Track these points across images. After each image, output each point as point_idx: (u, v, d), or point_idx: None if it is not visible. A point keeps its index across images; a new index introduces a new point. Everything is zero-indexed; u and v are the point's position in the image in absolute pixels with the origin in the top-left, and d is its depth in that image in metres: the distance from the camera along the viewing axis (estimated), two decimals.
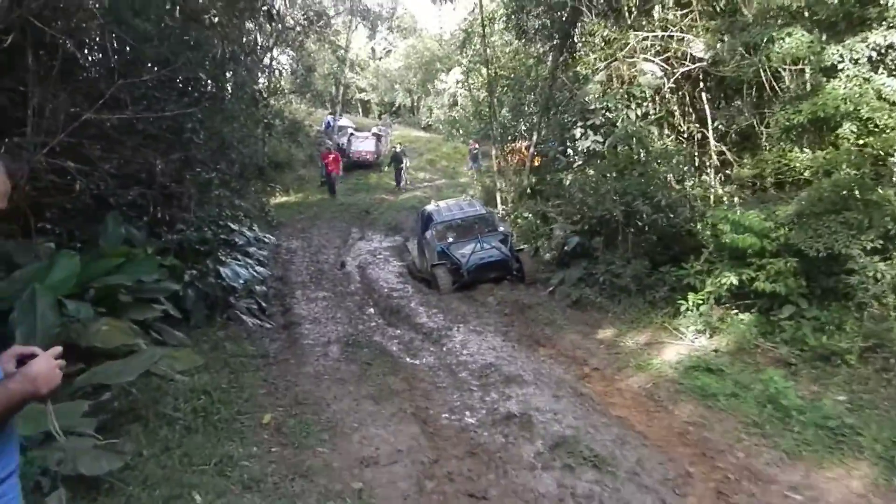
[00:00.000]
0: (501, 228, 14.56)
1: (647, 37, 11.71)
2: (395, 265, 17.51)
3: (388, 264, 17.70)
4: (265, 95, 19.91)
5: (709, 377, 7.53)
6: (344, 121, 37.46)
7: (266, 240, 16.30)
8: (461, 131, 42.25)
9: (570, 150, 13.26)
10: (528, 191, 21.91)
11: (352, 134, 34.34)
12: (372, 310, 12.61)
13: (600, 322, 10.50)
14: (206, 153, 10.99)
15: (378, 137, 34.72)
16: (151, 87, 9.88)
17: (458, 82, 31.94)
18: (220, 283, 10.06)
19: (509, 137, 25.41)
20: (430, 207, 15.51)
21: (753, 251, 8.55)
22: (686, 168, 10.85)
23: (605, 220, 11.43)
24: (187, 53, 10.38)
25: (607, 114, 11.44)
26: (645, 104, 11.32)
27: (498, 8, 25.40)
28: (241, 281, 10.57)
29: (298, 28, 26.77)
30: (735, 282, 8.61)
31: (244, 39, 15.02)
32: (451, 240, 14.04)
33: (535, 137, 23.14)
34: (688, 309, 9.21)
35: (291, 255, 17.73)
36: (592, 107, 11.95)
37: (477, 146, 35.79)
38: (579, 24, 19.98)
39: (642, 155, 10.89)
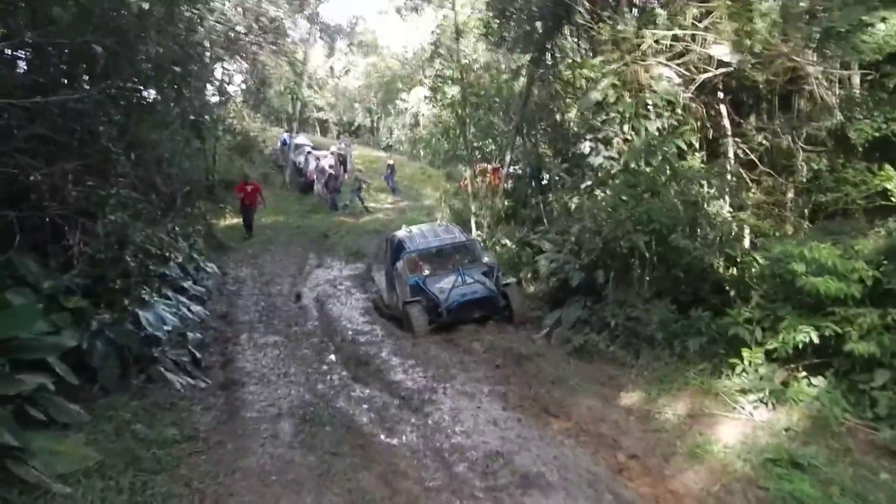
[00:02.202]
0: (486, 259, 12.52)
1: (662, 36, 9.87)
2: (358, 299, 15.31)
3: (350, 297, 15.50)
4: (213, 107, 17.74)
5: (800, 477, 5.56)
6: (301, 138, 35.16)
7: (208, 269, 13.96)
8: (425, 151, 40.60)
9: (556, 173, 11.27)
10: (503, 215, 20.13)
11: (309, 153, 32.05)
12: (333, 358, 10.39)
13: (618, 380, 8.48)
14: (129, 166, 8.73)
15: (340, 157, 32.50)
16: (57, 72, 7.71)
17: (424, 98, 29.98)
18: (140, 333, 7.79)
19: (477, 157, 23.67)
20: (400, 233, 13.40)
21: (833, 297, 6.65)
22: (719, 191, 8.96)
23: (616, 252, 9.48)
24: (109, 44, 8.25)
25: (622, 126, 9.55)
26: (665, 115, 9.48)
27: (471, 17, 23.74)
28: (167, 328, 8.30)
29: (251, 36, 24.65)
30: (814, 338, 6.68)
31: (188, 39, 12.84)
32: (426, 272, 11.95)
33: (507, 158, 21.42)
34: (743, 370, 7.26)
35: (239, 286, 15.39)
36: (599, 118, 10.04)
37: (392, 161, 34.07)
38: (560, 35, 18.51)
39: (666, 175, 8.99)
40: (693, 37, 9.43)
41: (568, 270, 10.94)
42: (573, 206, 9.64)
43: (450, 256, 12.77)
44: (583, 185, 9.81)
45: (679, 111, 9.53)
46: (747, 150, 9.41)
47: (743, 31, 9.14)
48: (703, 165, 9.18)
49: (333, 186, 27.63)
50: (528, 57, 20.24)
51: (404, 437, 6.92)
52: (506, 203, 20.60)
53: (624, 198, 8.72)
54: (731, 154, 10.07)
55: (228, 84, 21.19)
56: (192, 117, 12.63)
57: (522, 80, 21.14)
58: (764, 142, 9.83)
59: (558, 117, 20.86)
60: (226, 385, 8.37)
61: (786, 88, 9.42)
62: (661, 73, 9.61)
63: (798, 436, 6.39)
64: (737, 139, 8.87)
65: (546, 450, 6.44)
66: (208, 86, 18.44)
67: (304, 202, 28.98)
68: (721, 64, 9.65)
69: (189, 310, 10.01)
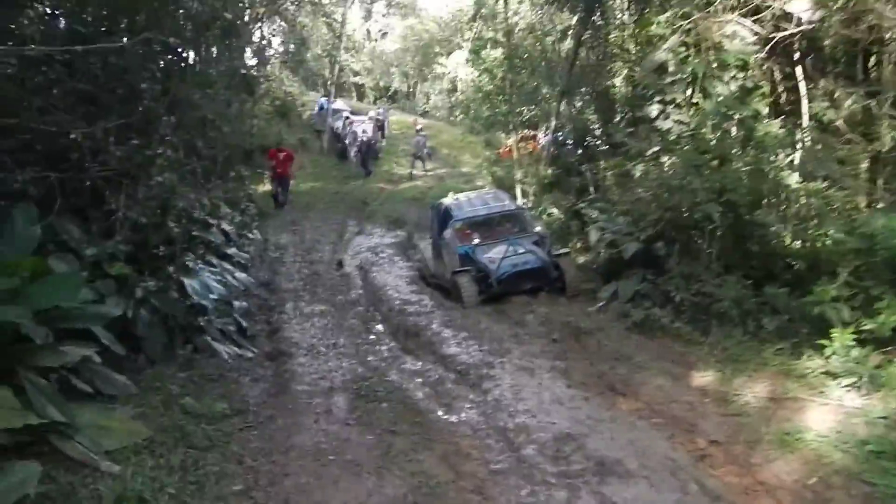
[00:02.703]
0: (537, 228, 11.99)
1: None
2: (402, 267, 14.93)
3: (393, 266, 15.12)
4: (254, 68, 17.26)
5: None
6: (339, 103, 34.67)
7: (250, 236, 13.65)
8: (465, 117, 39.83)
9: (618, 136, 10.59)
10: (548, 183, 19.50)
11: (347, 118, 31.57)
12: (381, 328, 10.05)
13: (687, 358, 7.96)
14: (171, 127, 8.34)
15: (377, 122, 31.99)
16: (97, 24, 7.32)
17: (466, 61, 29.19)
18: (185, 301, 7.46)
19: (521, 123, 23.02)
20: (447, 201, 12.92)
21: None
22: (803, 161, 8.28)
23: (681, 223, 8.88)
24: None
25: (693, 88, 8.86)
26: (739, 76, 8.77)
27: None
28: (213, 296, 7.96)
29: None
30: None
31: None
32: (476, 241, 11.46)
33: (552, 124, 20.73)
34: (833, 352, 6.68)
35: (280, 254, 15.11)
36: (665, 79, 9.36)
37: (420, 126, 33.29)
38: None
39: (741, 141, 8.33)
40: None
41: (624, 241, 10.38)
42: (637, 174, 9.02)
43: (499, 225, 12.28)
44: (649, 151, 9.18)
45: (753, 72, 8.81)
46: (827, 117, 8.62)
47: None
48: (780, 132, 8.48)
49: (367, 152, 26.91)
50: (575, 18, 19.51)
51: (464, 415, 6.52)
52: (550, 171, 20.02)
53: (697, 165, 8.09)
54: (805, 121, 9.33)
55: (269, 45, 20.52)
56: (236, 76, 12.13)
57: (569, 43, 20.41)
58: (845, 107, 9.05)
59: (609, 82, 20.15)
60: (273, 355, 8.04)
61: (870, 49, 8.64)
62: (735, 31, 8.89)
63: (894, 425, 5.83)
64: (813, 104, 8.11)
65: (619, 433, 5.98)
66: (247, 47, 17.93)
67: (342, 168, 28.62)
68: (800, 22, 8.89)
69: (234, 277, 9.67)
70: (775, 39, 9.03)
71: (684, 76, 8.97)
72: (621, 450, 5.61)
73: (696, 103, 9.08)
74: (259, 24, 21.65)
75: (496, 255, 11.17)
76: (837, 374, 6.58)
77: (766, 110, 8.71)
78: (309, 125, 33.16)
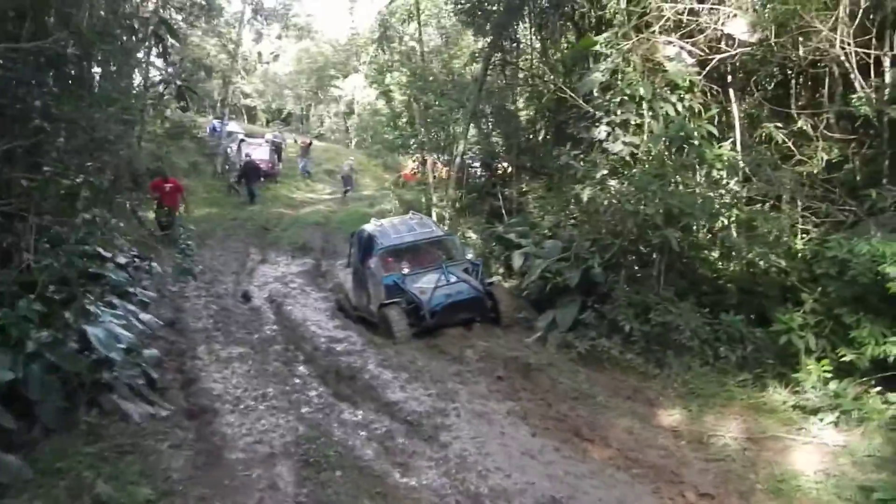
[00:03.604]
0: (469, 255, 11.39)
1: (672, 10, 8.91)
2: (316, 298, 13.95)
3: (307, 297, 14.12)
4: (146, 88, 15.83)
5: None
6: (233, 126, 33.15)
7: (146, 269, 12.29)
8: (365, 140, 39.09)
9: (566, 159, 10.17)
10: (460, 206, 19.10)
11: (242, 140, 30.14)
12: (307, 371, 9.06)
13: (645, 393, 7.55)
14: (65, 149, 7.19)
15: (274, 145, 30.75)
16: None
17: (367, 83, 28.55)
18: (88, 354, 6.31)
19: (426, 146, 22.58)
20: (370, 227, 12.12)
21: None
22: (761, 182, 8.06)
23: (630, 249, 8.53)
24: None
25: (639, 109, 8.54)
26: (686, 97, 8.55)
27: None
28: (121, 346, 6.80)
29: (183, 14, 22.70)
30: None
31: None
32: (405, 270, 10.71)
33: (461, 147, 20.42)
34: (811, 385, 6.39)
35: (181, 287, 13.75)
36: (608, 100, 9.02)
37: (308, 141, 33.08)
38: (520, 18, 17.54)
39: (694, 163, 8.06)
40: (712, 9, 8.50)
41: (561, 268, 9.94)
42: (585, 198, 8.60)
43: (427, 253, 11.61)
44: (598, 175, 8.79)
45: (697, 94, 8.62)
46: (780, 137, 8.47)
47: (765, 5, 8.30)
48: (730, 154, 8.29)
49: (251, 176, 24.93)
50: (482, 42, 19.36)
51: (426, 478, 5.75)
52: (461, 194, 19.63)
53: (650, 188, 7.74)
54: (738, 145, 9.20)
55: (167, 63, 18.96)
56: (134, 95, 10.88)
57: (477, 66, 20.18)
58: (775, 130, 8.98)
59: (517, 104, 20.03)
60: (193, 413, 6.95)
61: (809, 71, 8.65)
62: (678, 52, 8.69)
63: (885, 463, 5.56)
64: (771, 124, 7.97)
65: (604, 491, 5.41)
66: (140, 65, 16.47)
67: (238, 193, 27.15)
68: (737, 44, 8.80)
69: (138, 319, 8.45)
70: (713, 61, 8.88)
71: (631, 97, 8.64)
72: None
73: (640, 125, 8.78)
74: (149, 43, 20.13)
75: (427, 285, 10.48)
76: (814, 409, 6.31)
77: (715, 132, 8.50)
78: (200, 149, 31.45)
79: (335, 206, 27.37)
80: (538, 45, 18.68)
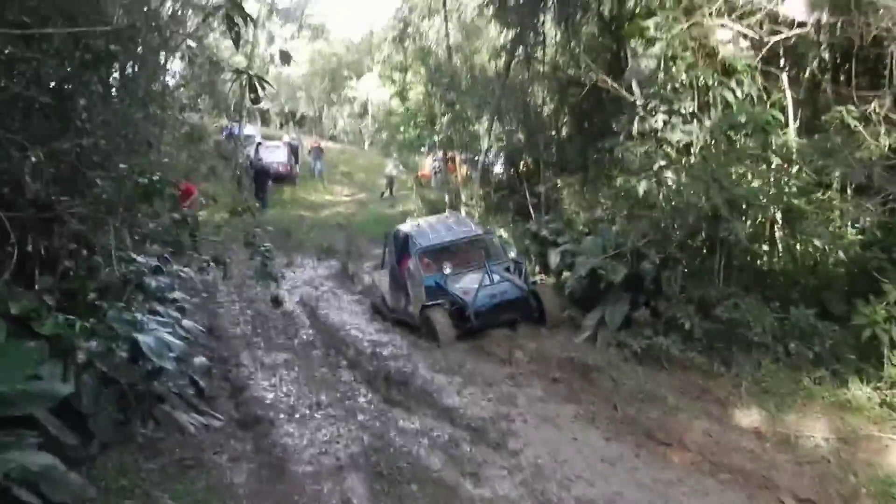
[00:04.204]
0: (512, 254, 11.05)
1: None
2: (349, 301, 13.70)
3: (339, 300, 13.86)
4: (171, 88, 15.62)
5: None
6: (249, 129, 32.91)
7: (182, 274, 12.05)
8: (383, 140, 38.80)
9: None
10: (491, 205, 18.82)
11: (259, 143, 29.96)
12: (352, 377, 8.76)
13: (714, 393, 7.17)
14: (106, 150, 6.92)
15: (291, 147, 30.52)
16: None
17: (387, 83, 28.23)
18: (141, 364, 6.03)
19: (451, 146, 22.28)
20: (406, 227, 11.82)
21: None
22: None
23: (689, 244, 8.19)
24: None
25: (699, 96, 8.17)
26: (747, 82, 8.19)
27: None
28: (173, 354, 6.52)
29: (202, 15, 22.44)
30: None
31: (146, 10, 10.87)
32: (447, 271, 10.40)
33: (484, 144, 20.13)
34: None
35: (211, 292, 13.51)
36: (653, 88, 8.66)
37: (318, 143, 32.67)
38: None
39: (760, 152, 7.69)
40: None
41: (607, 265, 9.57)
42: (641, 191, 8.26)
43: (466, 252, 11.29)
44: (655, 166, 8.44)
45: (757, 78, 8.25)
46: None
47: None
48: (800, 141, 7.92)
49: (263, 180, 24.28)
50: (507, 34, 19.02)
51: (499, 488, 5.43)
52: (491, 192, 19.32)
53: (716, 179, 7.39)
54: (792, 131, 8.80)
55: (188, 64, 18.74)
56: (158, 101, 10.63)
57: (501, 61, 19.86)
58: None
59: (539, 101, 19.69)
60: (246, 423, 6.68)
61: (871, 52, 8.25)
62: (734, 35, 8.33)
63: None
64: (843, 108, 7.59)
65: (697, 499, 5.09)
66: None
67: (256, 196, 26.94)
68: (794, 24, 8.42)
69: (180, 326, 8.19)
70: (769, 44, 8.51)
71: (689, 84, 8.28)
72: None
73: (694, 113, 8.42)
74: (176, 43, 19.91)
75: (469, 286, 10.16)
76: None
77: (782, 118, 8.14)
78: (218, 152, 31.24)
79: (355, 208, 27.16)
80: (562, 37, 18.29)
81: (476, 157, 20.26)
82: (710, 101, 8.26)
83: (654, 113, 8.58)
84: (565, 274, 11.66)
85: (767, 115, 7.76)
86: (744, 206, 7.42)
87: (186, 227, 9.38)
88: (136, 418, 5.78)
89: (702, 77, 8.03)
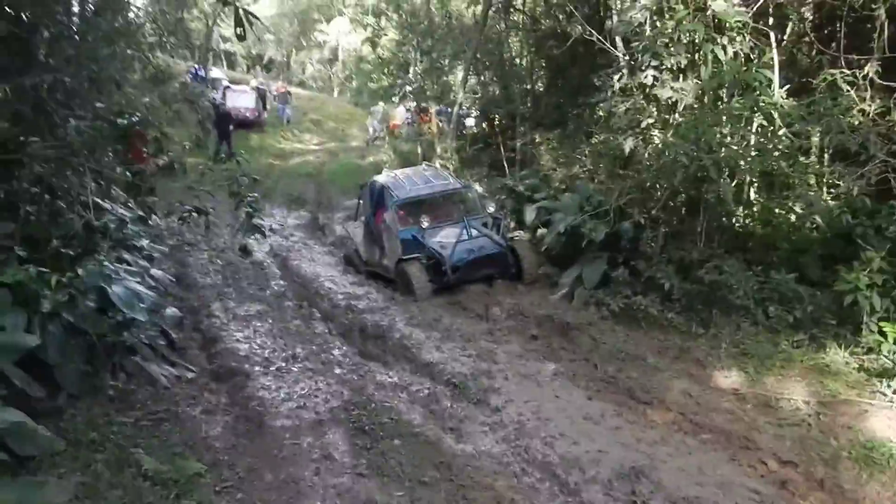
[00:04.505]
0: (491, 209, 10.87)
1: None
2: (321, 252, 13.51)
3: (310, 250, 13.65)
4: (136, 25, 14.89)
5: None
6: (216, 72, 31.92)
7: (150, 222, 11.66)
8: (353, 88, 38.02)
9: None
10: (465, 158, 18.55)
11: (227, 87, 29.07)
12: (326, 329, 8.60)
13: (692, 353, 7.15)
14: (71, 88, 6.53)
15: (260, 93, 29.69)
16: None
17: (366, 26, 27.45)
18: (110, 315, 5.77)
19: (424, 97, 21.87)
20: (382, 178, 11.55)
21: None
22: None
23: (673, 205, 8.10)
24: None
25: (691, 52, 7.94)
26: (738, 39, 8.00)
27: None
28: (143, 305, 6.26)
29: None
30: None
31: None
32: (425, 224, 10.19)
33: (459, 96, 19.73)
34: (893, 350, 6.05)
35: (178, 240, 13.14)
36: (644, 42, 8.42)
37: (285, 88, 31.74)
38: None
39: (751, 112, 7.54)
40: None
41: (586, 223, 9.44)
42: (627, 149, 8.09)
43: (444, 206, 11.11)
44: (643, 124, 8.27)
45: (747, 36, 8.07)
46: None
47: None
48: (791, 103, 7.78)
49: (226, 125, 22.77)
50: None
51: (481, 444, 5.36)
52: (463, 145, 19.04)
53: (707, 138, 7.25)
54: (775, 90, 8.69)
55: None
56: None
57: (478, 7, 19.36)
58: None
59: (516, 53, 19.31)
60: (220, 375, 6.48)
61: (861, 14, 8.12)
62: None
63: None
64: (837, 71, 7.45)
65: (681, 459, 5.07)
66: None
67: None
68: None
69: (149, 275, 7.90)
70: (760, 1, 8.34)
71: (678, 39, 8.05)
72: (696, 484, 4.71)
73: (683, 69, 8.23)
74: None
75: (447, 240, 10.00)
76: (887, 372, 5.98)
77: (774, 78, 8.00)
78: (183, 95, 30.26)
79: (325, 157, 26.64)
80: None
81: (450, 109, 19.87)
82: (699, 59, 8.05)
83: (643, 68, 8.37)
84: (540, 230, 11.58)
85: (758, 75, 7.60)
86: (728, 168, 7.29)
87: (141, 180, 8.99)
88: (106, 370, 5.57)
89: (694, 32, 7.82)
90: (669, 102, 8.22)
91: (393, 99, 25.60)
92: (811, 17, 8.83)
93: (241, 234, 6.62)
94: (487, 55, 19.29)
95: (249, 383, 6.14)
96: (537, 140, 14.41)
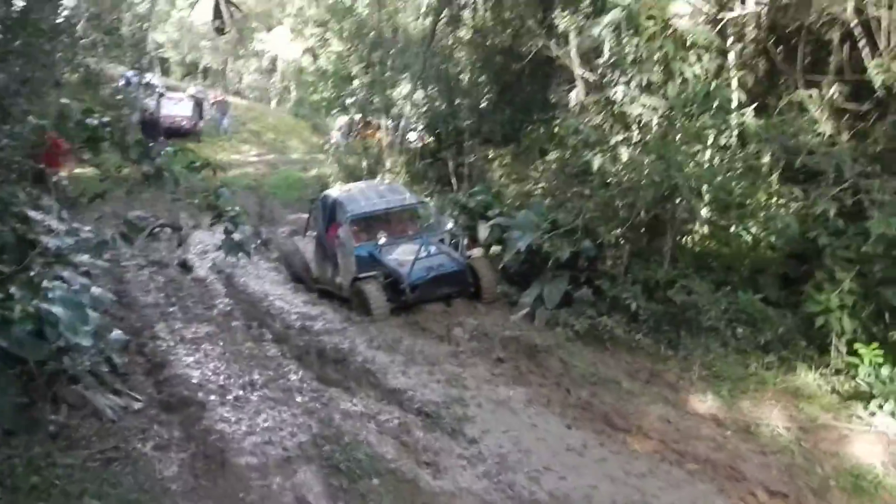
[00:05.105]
0: (449, 225, 10.55)
1: None
2: (267, 268, 12.89)
3: (256, 267, 12.98)
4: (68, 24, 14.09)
5: None
6: (150, 78, 30.75)
7: (82, 234, 10.92)
8: (299, 98, 37.21)
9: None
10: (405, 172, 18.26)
11: (162, 95, 28.06)
12: (279, 352, 8.07)
13: (664, 377, 7.02)
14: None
15: (196, 101, 28.72)
16: None
17: (309, 37, 26.90)
18: (50, 340, 5.20)
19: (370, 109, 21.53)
20: (335, 193, 11.11)
21: None
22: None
23: (639, 222, 7.98)
24: None
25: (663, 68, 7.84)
26: (706, 57, 7.95)
27: None
28: (87, 328, 5.69)
29: None
30: None
31: None
32: (381, 241, 9.81)
33: (405, 110, 19.50)
34: (867, 372, 6.00)
35: (114, 254, 12.37)
36: (614, 59, 8.29)
37: (222, 97, 31.15)
38: None
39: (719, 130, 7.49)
40: None
41: (548, 242, 9.24)
42: (595, 166, 7.91)
43: (399, 221, 10.73)
44: (612, 141, 8.12)
45: (714, 54, 8.05)
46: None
47: None
48: (757, 122, 7.77)
49: (152, 131, 21.70)
50: None
51: (461, 480, 5.03)
52: (415, 159, 18.73)
53: (679, 157, 7.14)
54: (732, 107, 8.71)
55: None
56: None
57: (427, 22, 19.17)
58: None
59: (466, 69, 19.15)
60: (172, 405, 5.95)
61: (821, 36, 8.22)
62: (692, 10, 8.09)
63: None
64: (806, 92, 7.48)
65: (673, 493, 4.87)
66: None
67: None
68: (753, 3, 8.30)
69: (91, 295, 7.27)
70: (723, 21, 8.36)
71: (647, 56, 7.94)
72: None
73: (651, 85, 8.13)
74: None
75: (404, 257, 9.63)
76: (863, 395, 5.94)
77: (741, 97, 7.99)
78: (114, 102, 29.05)
79: (265, 169, 25.93)
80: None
81: (396, 123, 19.57)
82: (667, 76, 7.99)
83: (612, 85, 8.26)
84: (494, 248, 11.35)
85: (728, 93, 7.58)
86: (696, 188, 7.22)
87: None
88: (45, 402, 5.02)
89: (664, 48, 7.74)
90: (639, 119, 8.14)
91: (333, 112, 25.19)
92: (766, 37, 8.88)
93: (224, 253, 6.02)
94: (434, 69, 19.08)
95: (205, 414, 5.65)
96: (490, 156, 14.21)
